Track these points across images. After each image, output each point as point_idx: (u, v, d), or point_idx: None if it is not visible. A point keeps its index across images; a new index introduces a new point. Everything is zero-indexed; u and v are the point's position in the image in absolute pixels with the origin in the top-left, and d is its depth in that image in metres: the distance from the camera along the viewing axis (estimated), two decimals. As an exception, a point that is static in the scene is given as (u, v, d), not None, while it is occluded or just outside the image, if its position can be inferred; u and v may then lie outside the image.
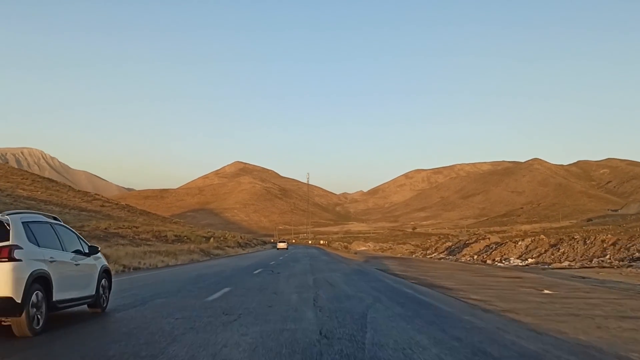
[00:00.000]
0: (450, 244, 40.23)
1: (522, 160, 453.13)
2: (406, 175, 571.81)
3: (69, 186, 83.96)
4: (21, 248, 6.38)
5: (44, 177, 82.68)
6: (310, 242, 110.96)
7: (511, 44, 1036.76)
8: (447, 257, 33.88)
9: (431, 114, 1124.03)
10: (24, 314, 6.19)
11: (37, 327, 6.49)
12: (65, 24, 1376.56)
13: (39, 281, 6.56)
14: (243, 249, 57.12)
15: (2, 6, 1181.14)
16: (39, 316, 6.55)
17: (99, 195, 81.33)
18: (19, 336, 6.27)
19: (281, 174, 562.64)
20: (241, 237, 77.21)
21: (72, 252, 7.88)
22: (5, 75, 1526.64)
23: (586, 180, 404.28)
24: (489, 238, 34.14)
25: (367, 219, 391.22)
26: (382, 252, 63.90)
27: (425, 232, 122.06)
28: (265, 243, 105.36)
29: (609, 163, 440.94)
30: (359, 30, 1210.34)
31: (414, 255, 42.42)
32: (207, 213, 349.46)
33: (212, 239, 51.95)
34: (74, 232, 8.45)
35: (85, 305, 8.38)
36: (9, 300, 6.02)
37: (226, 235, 66.39)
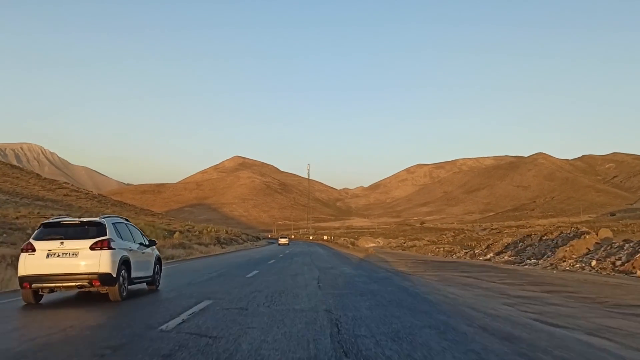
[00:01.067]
0: (509, 240, 29.91)
1: (526, 155, 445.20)
2: (408, 170, 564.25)
3: (37, 174, 75.45)
4: (113, 240, 9.54)
5: (6, 163, 74.42)
6: (311, 237, 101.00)
7: (513, 39, 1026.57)
8: (527, 262, 21.51)
9: (432, 109, 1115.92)
10: (116, 285, 9.33)
11: (123, 295, 9.66)
12: (64, 22, 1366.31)
13: (124, 264, 9.78)
14: (223, 247, 46.74)
15: (1, 4, 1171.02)
16: (124, 287, 9.74)
17: (67, 184, 72.75)
18: (112, 300, 9.39)
19: (281, 169, 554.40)
20: (227, 232, 67.36)
21: (138, 243, 11.18)
22: (5, 72, 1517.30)
23: (592, 175, 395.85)
24: (593, 233, 22.70)
25: (369, 214, 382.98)
26: (403, 250, 54.76)
27: (434, 227, 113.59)
28: (258, 239, 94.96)
29: (614, 157, 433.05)
30: (359, 26, 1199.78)
31: (455, 256, 33.08)
32: (205, 208, 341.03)
33: (177, 233, 42.32)
34: (138, 230, 11.90)
35: (145, 284, 11.61)
36: (108, 275, 9.14)
37: (203, 230, 55.88)
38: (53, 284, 9.03)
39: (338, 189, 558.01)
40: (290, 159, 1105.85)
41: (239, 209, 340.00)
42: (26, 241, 9.51)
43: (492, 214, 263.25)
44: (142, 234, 11.84)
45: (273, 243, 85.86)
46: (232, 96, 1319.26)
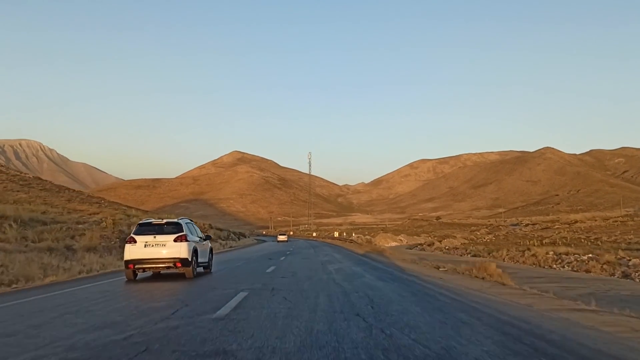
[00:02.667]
0: None
1: (532, 150, 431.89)
2: (411, 166, 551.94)
3: (6, 167, 62.48)
4: (188, 235, 13.69)
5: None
6: (314, 234, 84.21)
7: (517, 34, 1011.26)
8: None
9: (435, 105, 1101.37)
10: (191, 267, 13.42)
11: (194, 274, 13.84)
12: (63, 19, 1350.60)
13: (194, 252, 13.90)
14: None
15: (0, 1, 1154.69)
16: (195, 269, 13.96)
17: (3, 167, 59.72)
18: (187, 277, 13.43)
19: (281, 165, 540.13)
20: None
21: (198, 237, 15.13)
22: (4, 68, 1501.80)
23: (601, 170, 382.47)
24: None
25: (372, 210, 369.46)
26: (444, 252, 40.10)
27: (453, 223, 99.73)
28: (243, 236, 72.26)
29: (623, 152, 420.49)
30: (359, 23, 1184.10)
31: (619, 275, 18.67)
32: (201, 204, 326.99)
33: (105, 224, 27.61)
34: (197, 227, 16.01)
35: (202, 268, 15.55)
36: (186, 259, 13.17)
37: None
38: (149, 265, 13.36)
39: (339, 185, 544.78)
40: (291, 154, 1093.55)
41: (237, 205, 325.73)
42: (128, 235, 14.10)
43: (519, 206, 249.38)
44: (200, 230, 16.43)
45: (266, 241, 71.25)
46: (230, 91, 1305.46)
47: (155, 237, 13.13)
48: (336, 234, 76.33)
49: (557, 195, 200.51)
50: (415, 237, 68.19)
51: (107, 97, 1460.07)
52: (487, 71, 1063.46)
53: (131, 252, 13.04)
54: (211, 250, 16.53)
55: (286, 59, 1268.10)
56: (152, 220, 14.18)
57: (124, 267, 13.72)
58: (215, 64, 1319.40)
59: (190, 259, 13.24)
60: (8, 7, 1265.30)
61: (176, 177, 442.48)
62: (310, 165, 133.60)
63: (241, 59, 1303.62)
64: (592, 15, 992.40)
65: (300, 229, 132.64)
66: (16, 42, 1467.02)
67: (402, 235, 69.31)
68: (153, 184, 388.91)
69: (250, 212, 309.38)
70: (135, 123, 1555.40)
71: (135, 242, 13.09)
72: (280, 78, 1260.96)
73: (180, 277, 13.54)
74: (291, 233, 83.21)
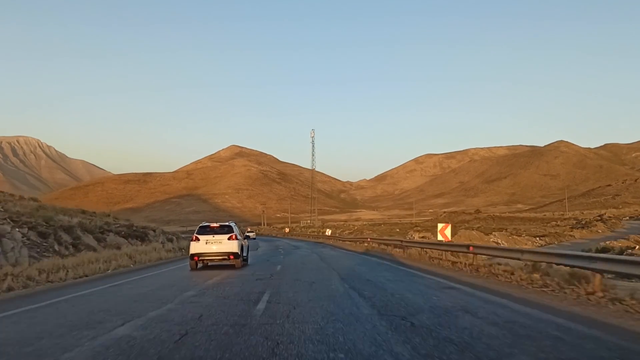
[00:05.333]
0: None
1: (541, 145, 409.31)
2: (416, 160, 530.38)
3: None
4: (237, 234, 17.58)
5: None
6: (328, 232, 53.70)
7: (522, 30, 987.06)
8: None
9: (438, 100, 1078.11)
10: (240, 259, 17.42)
11: (242, 264, 17.87)
12: (61, 15, 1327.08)
13: (242, 248, 18.05)
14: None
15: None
16: (243, 260, 18.22)
17: None
18: (237, 267, 17.23)
19: (280, 159, 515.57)
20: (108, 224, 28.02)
21: (243, 236, 19.91)
22: (2, 65, 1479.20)
23: (619, 164, 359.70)
24: None
25: (377, 206, 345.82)
26: None
27: (504, 216, 75.49)
28: (173, 239, 37.64)
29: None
30: (360, 19, 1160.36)
31: None
32: (194, 199, 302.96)
33: None
34: (239, 229, 20.13)
35: (243, 260, 18.84)
36: (237, 253, 17.10)
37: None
38: (209, 257, 17.33)
39: (342, 180, 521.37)
40: (290, 151, 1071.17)
41: (233, 200, 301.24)
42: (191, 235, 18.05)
43: (521, 205, 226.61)
44: (242, 231, 22.79)
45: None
46: (231, 89, 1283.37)
47: (214, 236, 17.29)
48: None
49: (610, 185, 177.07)
50: (515, 237, 43.08)
51: (106, 94, 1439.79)
52: (493, 67, 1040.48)
53: (195, 247, 17.21)
54: (248, 247, 21.35)
55: (287, 55, 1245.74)
56: (210, 223, 18.50)
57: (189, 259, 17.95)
58: (216, 61, 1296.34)
59: (240, 253, 17.54)
60: (5, 2, 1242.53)
61: (169, 172, 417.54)
62: (313, 146, 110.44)
63: (242, 54, 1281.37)
64: (591, 14, 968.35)
65: (302, 225, 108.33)
66: (15, 38, 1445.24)
67: (495, 233, 44.17)
68: (144, 179, 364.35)
69: (246, 208, 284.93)
70: (135, 120, 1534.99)
71: (198, 240, 17.25)
72: (281, 74, 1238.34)
73: (230, 267, 17.59)
74: (286, 230, 56.82)
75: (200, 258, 17.04)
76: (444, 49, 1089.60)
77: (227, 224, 17.94)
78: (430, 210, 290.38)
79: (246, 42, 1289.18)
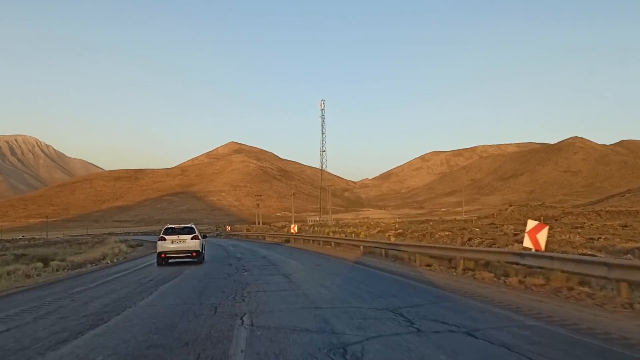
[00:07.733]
0: None
1: (551, 142, 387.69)
2: (422, 158, 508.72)
3: None
4: (199, 235, 20.40)
5: None
6: (362, 234, 30.58)
7: (534, 30, 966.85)
8: None
9: (439, 99, 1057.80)
10: (201, 256, 20.45)
11: (203, 261, 20.55)
12: (60, 13, 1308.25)
13: (202, 246, 21.01)
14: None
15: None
16: (203, 257, 20.90)
17: None
18: (198, 263, 19.82)
19: (281, 157, 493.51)
20: None
21: (201, 236, 21.55)
22: (0, 63, 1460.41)
23: (637, 160, 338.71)
24: None
25: (385, 205, 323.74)
26: None
27: (572, 212, 56.61)
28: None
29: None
30: (362, 16, 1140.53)
31: None
32: (188, 197, 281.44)
33: None
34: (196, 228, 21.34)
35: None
36: (199, 251, 20.01)
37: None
38: (174, 255, 19.62)
39: (345, 179, 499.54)
40: (290, 149, 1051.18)
41: (229, 198, 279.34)
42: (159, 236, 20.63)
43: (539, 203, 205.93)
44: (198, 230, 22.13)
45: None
46: (231, 87, 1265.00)
47: (178, 236, 19.64)
48: (294, 229, 39.07)
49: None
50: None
51: (105, 92, 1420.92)
52: (500, 65, 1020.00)
53: (162, 246, 19.55)
54: (204, 245, 22.77)
55: (287, 53, 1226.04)
56: (174, 225, 20.85)
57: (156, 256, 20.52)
58: (217, 58, 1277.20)
59: (201, 251, 20.27)
60: (4, 1, 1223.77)
61: (162, 168, 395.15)
62: (323, 120, 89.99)
63: (242, 52, 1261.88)
64: (593, 13, 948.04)
65: (309, 223, 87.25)
66: (13, 37, 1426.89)
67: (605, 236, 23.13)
68: (135, 175, 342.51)
69: (244, 207, 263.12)
70: (133, 119, 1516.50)
71: (164, 240, 19.57)
72: (282, 71, 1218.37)
73: (192, 263, 19.81)
74: (294, 230, 36.53)
75: (166, 255, 19.68)
76: (446, 48, 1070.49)
77: (189, 225, 20.92)
78: (443, 209, 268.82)
79: (247, 41, 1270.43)
